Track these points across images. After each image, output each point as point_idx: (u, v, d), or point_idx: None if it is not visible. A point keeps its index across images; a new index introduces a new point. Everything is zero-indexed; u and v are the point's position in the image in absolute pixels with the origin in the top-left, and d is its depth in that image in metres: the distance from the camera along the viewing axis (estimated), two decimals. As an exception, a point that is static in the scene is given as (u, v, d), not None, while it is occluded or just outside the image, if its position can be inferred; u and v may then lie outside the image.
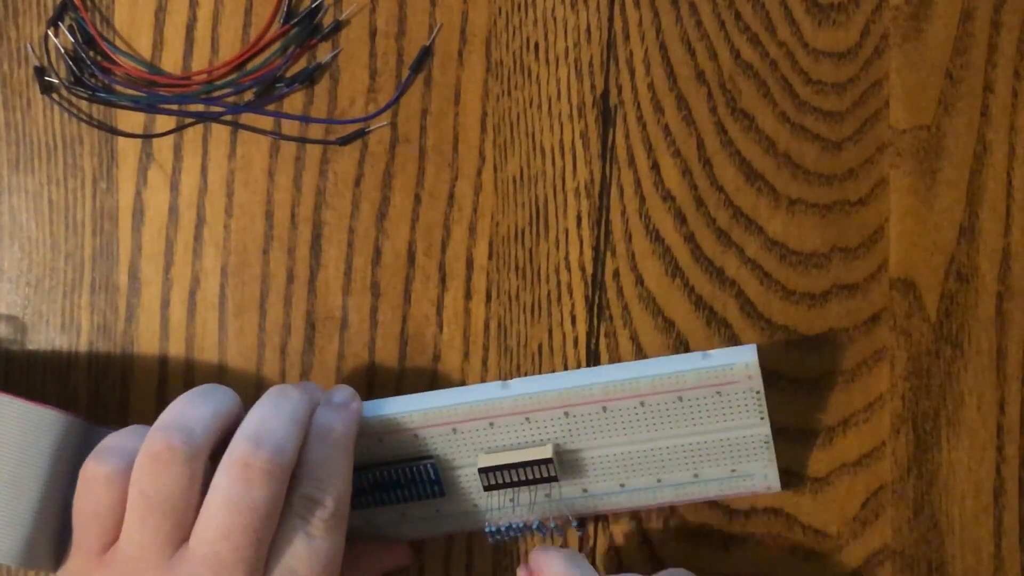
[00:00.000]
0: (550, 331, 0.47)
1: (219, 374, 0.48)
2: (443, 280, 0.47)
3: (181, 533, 0.40)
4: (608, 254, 0.47)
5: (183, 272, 0.48)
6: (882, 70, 0.47)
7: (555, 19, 0.47)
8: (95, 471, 0.41)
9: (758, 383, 0.43)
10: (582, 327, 0.47)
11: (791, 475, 0.46)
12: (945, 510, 0.46)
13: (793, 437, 0.46)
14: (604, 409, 0.44)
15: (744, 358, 0.43)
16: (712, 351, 0.43)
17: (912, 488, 0.46)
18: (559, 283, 0.47)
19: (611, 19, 0.47)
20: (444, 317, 0.47)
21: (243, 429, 0.41)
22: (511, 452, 0.44)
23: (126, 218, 0.48)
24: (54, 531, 0.42)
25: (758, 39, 0.47)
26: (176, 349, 0.48)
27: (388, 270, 0.48)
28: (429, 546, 0.47)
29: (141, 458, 0.40)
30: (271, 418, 0.41)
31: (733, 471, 0.45)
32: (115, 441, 0.42)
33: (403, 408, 0.44)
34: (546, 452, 0.44)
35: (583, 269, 0.47)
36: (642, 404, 0.43)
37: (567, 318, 0.47)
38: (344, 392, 0.44)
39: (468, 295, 0.47)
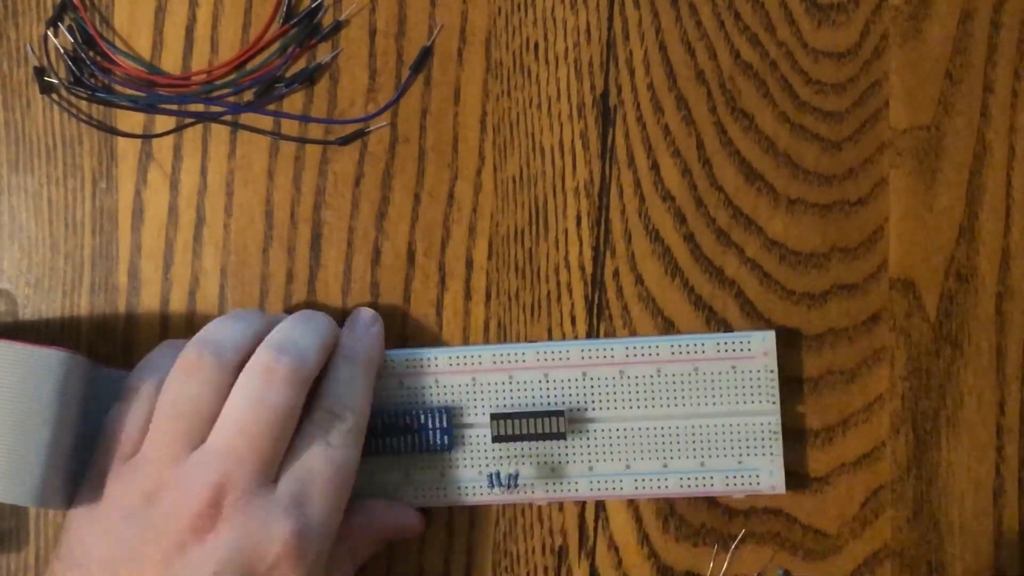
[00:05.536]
0: (550, 331, 0.47)
1: (219, 374, 0.48)
2: (443, 280, 0.47)
3: (200, 436, 0.42)
4: (608, 254, 0.47)
5: (183, 272, 0.48)
6: (882, 70, 0.47)
7: (555, 19, 0.47)
8: (131, 387, 0.43)
9: (773, 363, 0.45)
10: (582, 327, 0.47)
11: (791, 475, 0.46)
12: (945, 510, 0.46)
13: (793, 437, 0.46)
14: (621, 373, 0.45)
15: (762, 335, 0.45)
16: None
17: (912, 488, 0.46)
18: (559, 283, 0.47)
19: (611, 19, 0.47)
20: (444, 317, 0.47)
21: (268, 340, 0.43)
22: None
23: (126, 218, 0.48)
24: (66, 471, 0.43)
25: (758, 39, 0.47)
26: (176, 349, 0.48)
27: (388, 270, 0.48)
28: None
29: (173, 371, 0.42)
30: (296, 331, 0.43)
31: (740, 463, 0.45)
32: (154, 359, 0.44)
33: (426, 352, 0.46)
34: (558, 408, 0.45)
35: (583, 269, 0.47)
36: (658, 372, 0.45)
37: (567, 318, 0.47)
38: (367, 315, 0.46)
39: (468, 295, 0.47)
